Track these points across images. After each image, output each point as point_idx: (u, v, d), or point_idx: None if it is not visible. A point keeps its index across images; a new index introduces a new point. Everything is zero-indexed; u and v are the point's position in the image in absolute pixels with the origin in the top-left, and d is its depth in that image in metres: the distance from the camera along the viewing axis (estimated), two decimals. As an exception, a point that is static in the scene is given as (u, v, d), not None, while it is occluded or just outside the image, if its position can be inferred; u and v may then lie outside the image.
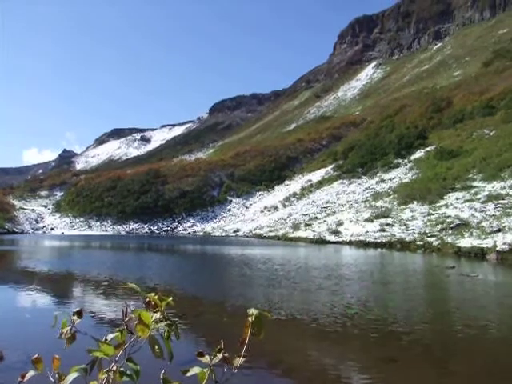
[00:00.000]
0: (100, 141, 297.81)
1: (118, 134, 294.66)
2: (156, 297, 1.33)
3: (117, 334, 1.26)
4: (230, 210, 76.02)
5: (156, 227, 73.50)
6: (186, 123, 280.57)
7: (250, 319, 1.31)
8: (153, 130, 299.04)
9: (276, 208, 64.26)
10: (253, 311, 1.32)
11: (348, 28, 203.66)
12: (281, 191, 75.44)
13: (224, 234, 56.92)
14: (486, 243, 21.12)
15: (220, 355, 1.27)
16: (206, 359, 1.25)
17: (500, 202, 28.75)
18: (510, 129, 45.73)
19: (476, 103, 62.82)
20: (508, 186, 31.60)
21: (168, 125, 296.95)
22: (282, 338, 7.83)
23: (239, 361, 1.27)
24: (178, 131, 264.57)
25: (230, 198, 79.82)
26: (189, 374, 1.23)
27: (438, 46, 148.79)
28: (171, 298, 1.34)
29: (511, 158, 36.34)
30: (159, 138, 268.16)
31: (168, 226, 73.56)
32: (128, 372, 1.19)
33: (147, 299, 1.32)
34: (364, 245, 30.11)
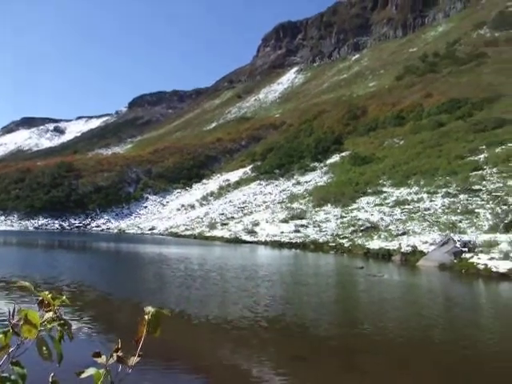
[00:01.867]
0: (7, 129, 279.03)
1: (28, 123, 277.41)
2: (50, 295, 1.23)
3: (0, 336, 1.14)
4: (146, 207, 74.29)
5: (67, 223, 70.07)
6: (104, 116, 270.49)
7: (146, 317, 1.26)
8: (68, 121, 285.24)
9: (193, 207, 63.78)
10: (150, 309, 1.28)
11: (272, 32, 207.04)
12: (198, 190, 74.99)
13: (139, 232, 55.55)
14: (393, 245, 22.30)
15: (116, 355, 1.22)
16: (102, 360, 1.19)
17: (406, 207, 30.51)
18: (416, 139, 48.72)
19: (388, 113, 66.30)
20: (413, 192, 33.60)
21: (84, 116, 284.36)
22: (198, 338, 7.78)
23: (134, 360, 1.22)
24: (94, 124, 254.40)
25: (146, 195, 77.99)
26: (83, 376, 1.15)
27: (356, 57, 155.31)
28: (65, 297, 1.24)
29: (417, 167, 38.69)
30: (74, 129, 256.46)
31: (80, 223, 70.38)
32: (12, 377, 1.09)
33: (40, 298, 1.23)
34: (279, 245, 30.64)
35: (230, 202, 57.18)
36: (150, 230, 55.77)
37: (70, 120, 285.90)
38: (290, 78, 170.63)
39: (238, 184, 66.38)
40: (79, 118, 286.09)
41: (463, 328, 9.04)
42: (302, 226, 34.07)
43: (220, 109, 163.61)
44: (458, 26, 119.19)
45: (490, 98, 53.98)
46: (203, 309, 9.86)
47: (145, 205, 75.18)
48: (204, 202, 63.78)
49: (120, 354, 1.23)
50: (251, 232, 37.00)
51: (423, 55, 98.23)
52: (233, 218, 46.90)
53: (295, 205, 42.58)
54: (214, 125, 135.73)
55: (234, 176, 72.63)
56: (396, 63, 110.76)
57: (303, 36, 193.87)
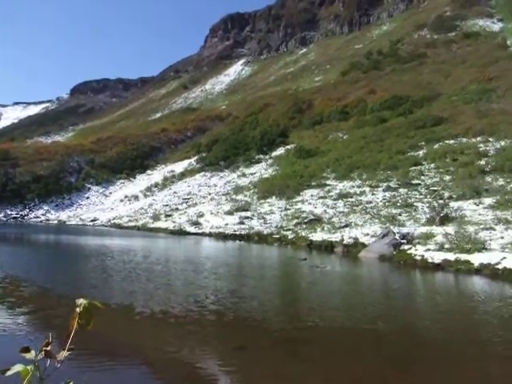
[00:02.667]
0: None
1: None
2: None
3: None
4: (88, 197, 72.03)
5: (3, 214, 66.69)
6: (44, 102, 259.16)
7: (77, 310, 1.14)
8: (3, 106, 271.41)
9: (137, 198, 62.52)
10: (81, 301, 1.16)
11: (220, 23, 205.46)
12: (143, 181, 73.55)
13: (81, 223, 53.81)
14: (335, 237, 22.71)
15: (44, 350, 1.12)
16: (31, 355, 1.11)
17: (349, 199, 31.19)
18: (360, 134, 49.88)
19: (333, 108, 67.41)
20: (356, 185, 34.41)
21: (22, 102, 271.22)
22: (141, 332, 7.63)
23: (63, 354, 1.15)
24: (33, 110, 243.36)
25: (88, 186, 75.57)
26: (9, 374, 1.08)
27: (303, 51, 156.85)
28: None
29: (359, 161, 39.62)
30: (11, 115, 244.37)
31: (18, 213, 67.22)
32: None
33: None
34: (223, 237, 30.54)
35: (175, 193, 56.47)
36: (92, 221, 54.15)
37: (7, 105, 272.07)
38: (237, 69, 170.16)
39: (183, 175, 65.64)
40: (16, 103, 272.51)
41: (404, 316, 9.39)
42: (247, 217, 34.12)
43: (166, 99, 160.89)
44: (401, 27, 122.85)
45: (429, 96, 56.05)
46: (148, 303, 9.64)
47: (87, 195, 72.85)
48: (148, 193, 62.62)
49: (48, 348, 1.13)
50: (196, 223, 36.69)
51: (368, 52, 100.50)
52: (177, 209, 46.35)
53: (240, 197, 42.58)
54: (159, 115, 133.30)
55: (179, 167, 71.74)
56: (341, 59, 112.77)
57: (251, 28, 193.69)
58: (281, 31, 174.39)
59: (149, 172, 78.60)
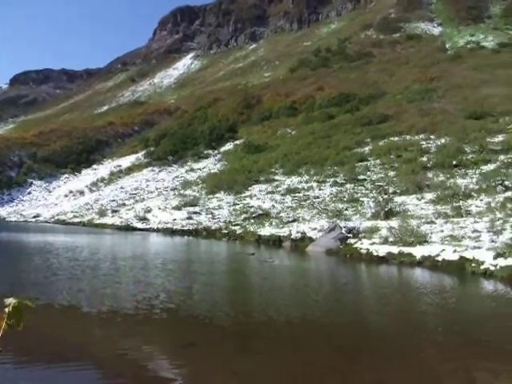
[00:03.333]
0: None
1: None
2: None
3: None
4: (30, 193, 69.17)
5: None
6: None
7: (6, 310, 1.08)
8: None
9: (82, 193, 60.73)
10: (11, 300, 1.08)
11: (170, 16, 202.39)
12: (88, 175, 71.54)
13: (22, 220, 51.62)
14: (283, 232, 22.87)
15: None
16: None
17: (296, 195, 31.52)
18: (308, 130, 50.51)
19: (282, 104, 67.95)
20: (304, 180, 34.81)
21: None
22: (88, 332, 7.37)
23: None
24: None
25: (30, 181, 72.56)
26: None
27: (252, 46, 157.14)
28: None
29: (307, 156, 40.10)
30: None
31: (-49, 209, 63.82)
32: None
33: None
34: (171, 232, 30.16)
35: (122, 188, 55.29)
36: (34, 217, 52.07)
37: None
38: (186, 63, 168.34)
39: (130, 170, 64.36)
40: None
41: (352, 308, 9.58)
42: (195, 212, 33.84)
43: (112, 91, 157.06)
44: (349, 26, 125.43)
45: (375, 94, 57.51)
46: (95, 301, 9.32)
47: (28, 191, 69.95)
48: (94, 188, 60.97)
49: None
50: (143, 219, 36.04)
51: (316, 50, 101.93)
52: (124, 204, 45.37)
53: (188, 192, 42.19)
54: (105, 108, 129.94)
55: (126, 162, 70.27)
56: (291, 55, 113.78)
57: (201, 22, 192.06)
58: (231, 26, 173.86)
59: (95, 167, 76.51)
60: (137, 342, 6.81)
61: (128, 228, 34.20)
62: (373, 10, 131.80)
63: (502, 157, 28.26)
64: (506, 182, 23.03)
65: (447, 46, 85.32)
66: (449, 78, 57.35)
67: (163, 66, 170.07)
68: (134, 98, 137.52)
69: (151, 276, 12.94)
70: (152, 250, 21.42)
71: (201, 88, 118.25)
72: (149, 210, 38.42)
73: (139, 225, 34.80)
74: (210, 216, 31.95)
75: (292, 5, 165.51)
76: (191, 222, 31.58)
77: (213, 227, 28.60)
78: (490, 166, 27.21)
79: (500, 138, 32.20)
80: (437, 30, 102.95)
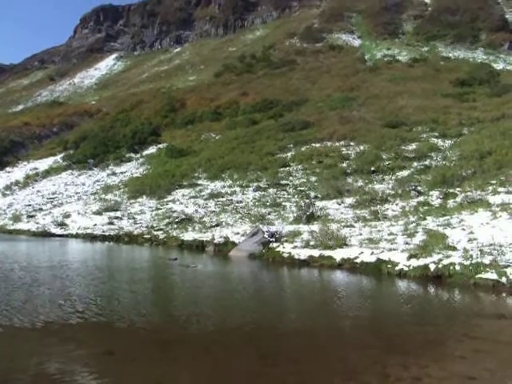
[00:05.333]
0: None
1: None
2: None
3: None
4: None
5: None
6: None
7: None
8: None
9: (-7, 196, 56.98)
10: None
11: (92, 14, 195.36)
12: (1, 178, 67.17)
13: None
14: (206, 236, 22.68)
15: None
16: None
17: (220, 199, 31.45)
18: (232, 135, 50.67)
19: (206, 108, 67.72)
20: (227, 185, 34.84)
21: None
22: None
23: None
24: None
25: None
26: None
27: (177, 50, 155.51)
28: None
29: (231, 161, 40.20)
30: None
31: None
32: None
33: None
34: (91, 238, 28.98)
35: (38, 192, 52.49)
36: None
37: None
38: (108, 64, 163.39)
39: (48, 173, 61.26)
40: None
41: (274, 311, 9.55)
42: (117, 217, 32.82)
43: (29, 90, 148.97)
44: (273, 33, 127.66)
45: (298, 101, 58.82)
46: (6, 315, 8.63)
47: None
48: (7, 192, 57.32)
49: None
50: (61, 225, 34.40)
51: (241, 56, 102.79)
52: (41, 209, 43.06)
53: (109, 196, 40.87)
54: (20, 107, 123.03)
55: (44, 164, 66.84)
56: (216, 60, 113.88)
57: (125, 22, 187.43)
58: (156, 28, 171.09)
59: (8, 169, 72.01)
60: (53, 354, 6.45)
61: (45, 234, 32.45)
62: (297, 20, 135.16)
63: (415, 163, 29.93)
64: (419, 188, 24.40)
65: (366, 57, 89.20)
66: (367, 88, 60.03)
67: (84, 66, 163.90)
68: (53, 97, 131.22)
69: (68, 285, 12.28)
70: (70, 258, 20.40)
71: (124, 90, 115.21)
72: (68, 215, 36.78)
73: (57, 231, 33.16)
74: (132, 221, 31.12)
75: (218, 10, 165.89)
76: (112, 227, 30.57)
77: (135, 232, 27.84)
78: (405, 173, 28.70)
79: (413, 145, 34.13)
80: (357, 42, 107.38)
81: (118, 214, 33.97)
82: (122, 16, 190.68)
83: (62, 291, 11.15)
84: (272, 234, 19.43)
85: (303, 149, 39.46)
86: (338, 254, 15.36)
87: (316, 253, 16.11)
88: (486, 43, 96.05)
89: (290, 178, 32.99)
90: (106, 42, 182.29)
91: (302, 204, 24.81)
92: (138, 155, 58.32)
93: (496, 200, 18.61)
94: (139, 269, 16.60)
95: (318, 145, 39.87)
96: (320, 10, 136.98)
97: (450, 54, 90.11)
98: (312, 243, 17.20)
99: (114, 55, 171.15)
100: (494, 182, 22.25)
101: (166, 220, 29.06)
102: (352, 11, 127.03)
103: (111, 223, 31.62)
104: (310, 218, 22.09)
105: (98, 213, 35.13)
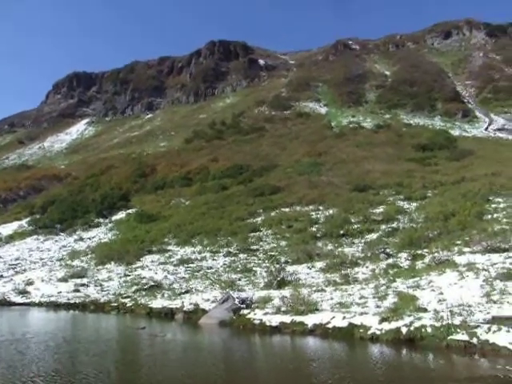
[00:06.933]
0: None
1: None
2: None
3: None
4: None
5: None
6: None
7: None
8: None
9: (-48, 263, 54.71)
10: None
11: (65, 79, 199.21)
12: (-40, 244, 64.96)
13: None
14: (176, 304, 22.17)
15: None
16: None
17: (190, 265, 31.02)
18: (202, 200, 50.81)
19: (176, 174, 68.15)
20: (197, 251, 34.48)
21: None
22: None
23: None
24: None
25: None
26: None
27: (149, 116, 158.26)
28: None
29: (201, 227, 40.05)
30: None
31: None
32: None
33: None
34: (56, 306, 27.86)
35: (0, 258, 50.78)
36: None
37: None
38: (80, 129, 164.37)
39: (12, 238, 59.44)
40: None
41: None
42: (83, 284, 31.81)
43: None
44: (243, 101, 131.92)
45: (267, 166, 59.91)
46: None
47: None
48: (-34, 259, 55.29)
49: None
50: (23, 292, 32.99)
51: (212, 122, 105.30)
52: (2, 276, 41.41)
53: (76, 262, 39.79)
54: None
55: (7, 229, 64.99)
56: (186, 127, 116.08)
57: (98, 89, 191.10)
58: (128, 95, 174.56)
59: (-31, 234, 69.88)
60: None
61: (4, 303, 31.04)
62: (266, 89, 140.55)
63: (383, 226, 30.47)
64: (388, 250, 24.75)
65: (333, 124, 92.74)
66: (335, 153, 61.89)
67: (55, 131, 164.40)
68: (21, 161, 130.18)
69: (26, 360, 11.73)
70: (30, 328, 19.51)
71: (94, 155, 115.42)
72: (30, 283, 35.43)
73: (18, 299, 31.74)
74: (99, 288, 30.22)
75: (189, 79, 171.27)
76: (78, 294, 29.55)
77: (101, 300, 26.96)
78: (373, 235, 29.12)
79: (381, 209, 34.89)
80: (323, 110, 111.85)
81: (85, 280, 32.96)
82: (94, 83, 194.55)
83: (18, 367, 10.60)
84: (243, 301, 19.18)
85: (273, 213, 39.78)
86: (310, 320, 15.23)
87: (287, 319, 15.92)
88: (443, 112, 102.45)
89: (260, 243, 32.96)
90: (78, 107, 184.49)
91: (273, 269, 24.69)
92: (107, 220, 57.55)
93: (462, 260, 19.11)
94: (105, 340, 15.96)
95: (287, 209, 40.29)
96: (287, 80, 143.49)
97: (411, 121, 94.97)
98: (283, 309, 17.02)
99: (86, 120, 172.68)
100: (459, 242, 22.93)
101: (135, 287, 28.33)
102: (318, 81, 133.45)
103: (77, 290, 30.58)
104: (281, 283, 21.95)
105: (64, 280, 34.01)
